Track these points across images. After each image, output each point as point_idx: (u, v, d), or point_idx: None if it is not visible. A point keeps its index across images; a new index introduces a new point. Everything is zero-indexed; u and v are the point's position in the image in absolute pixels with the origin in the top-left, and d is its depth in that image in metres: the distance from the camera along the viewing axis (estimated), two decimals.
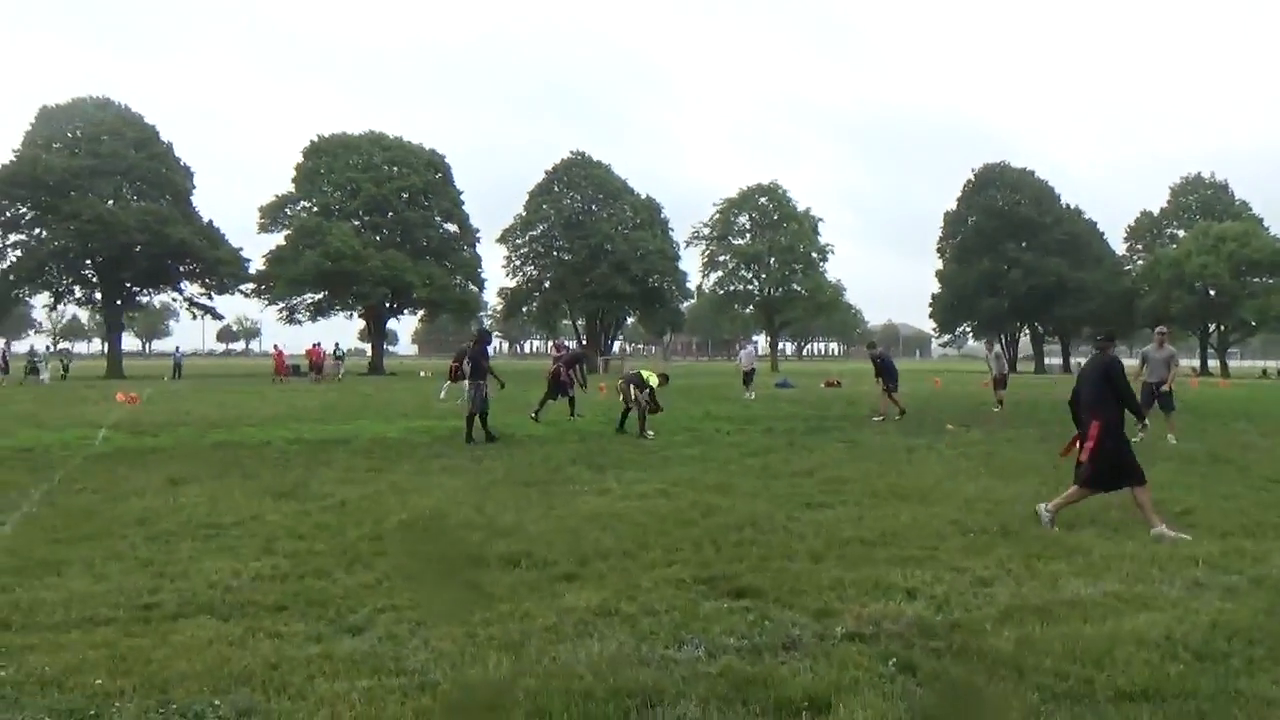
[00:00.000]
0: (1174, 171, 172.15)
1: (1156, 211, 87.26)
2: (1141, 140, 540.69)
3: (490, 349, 17.00)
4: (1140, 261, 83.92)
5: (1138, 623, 5.22)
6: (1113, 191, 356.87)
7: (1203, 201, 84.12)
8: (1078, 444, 8.18)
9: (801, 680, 4.34)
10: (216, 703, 4.12)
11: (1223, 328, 78.05)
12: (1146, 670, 4.49)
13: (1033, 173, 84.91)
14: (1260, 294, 71.04)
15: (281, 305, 63.34)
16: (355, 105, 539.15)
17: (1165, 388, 15.67)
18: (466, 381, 26.62)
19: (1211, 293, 73.30)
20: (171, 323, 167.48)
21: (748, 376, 29.64)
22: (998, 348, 25.46)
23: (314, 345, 47.89)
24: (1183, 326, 74.82)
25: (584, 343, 71.13)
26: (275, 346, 48.05)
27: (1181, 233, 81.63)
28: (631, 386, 16.36)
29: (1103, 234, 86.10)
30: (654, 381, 16.56)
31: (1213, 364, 78.90)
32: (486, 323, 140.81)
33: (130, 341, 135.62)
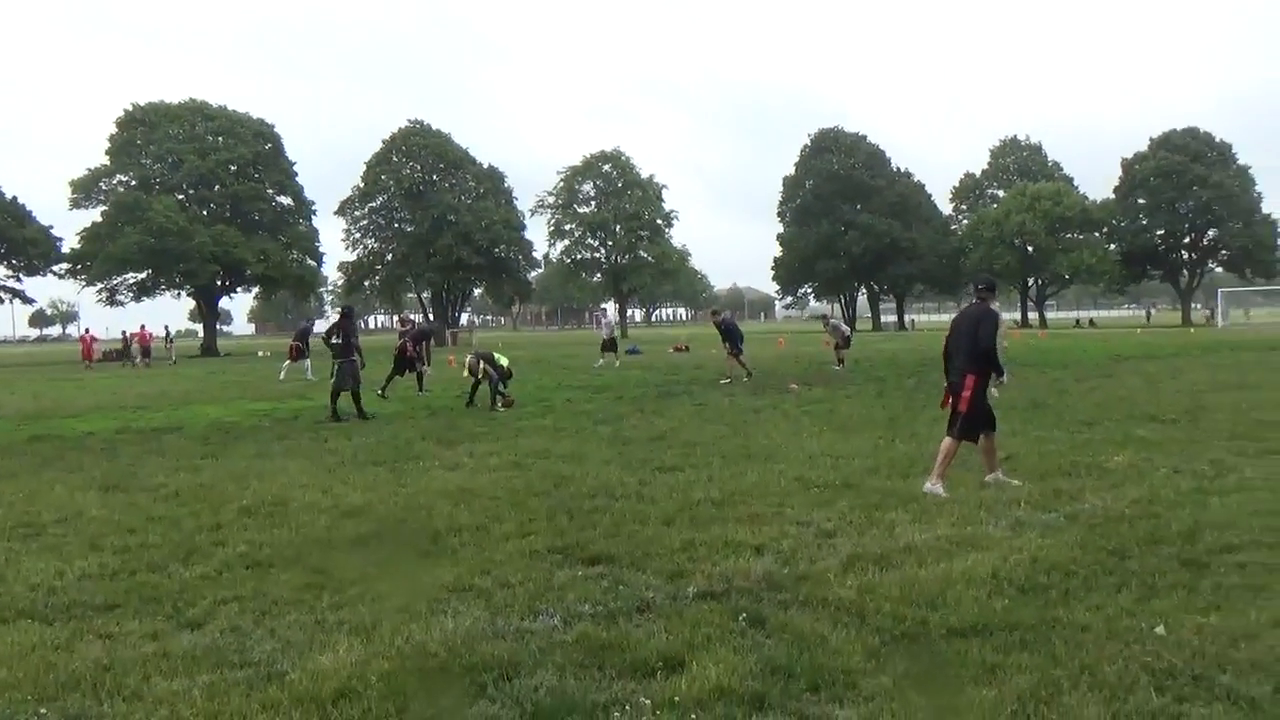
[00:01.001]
0: (992, 135, 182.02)
1: (979, 173, 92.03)
2: (962, 107, 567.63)
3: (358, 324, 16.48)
4: (965, 221, 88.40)
5: (967, 563, 5.55)
6: (937, 155, 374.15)
7: (1020, 163, 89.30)
8: (951, 395, 8.10)
9: (656, 642, 4.42)
10: (43, 711, 3.88)
11: (1040, 281, 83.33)
12: (975, 607, 4.79)
13: (865, 137, 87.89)
14: (1072, 248, 76.15)
15: (100, 286, 59.28)
16: (171, 73, 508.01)
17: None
18: (307, 360, 25.89)
19: (1029, 249, 78.09)
20: None
21: (608, 344, 29.68)
22: (834, 321, 26.44)
23: (140, 327, 45.34)
24: (1005, 281, 79.40)
25: (431, 317, 69.72)
26: (86, 330, 45.27)
27: (1001, 193, 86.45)
28: (482, 361, 16.16)
29: (930, 195, 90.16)
30: (504, 361, 16.41)
31: (1032, 316, 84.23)
32: (328, 298, 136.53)
33: None
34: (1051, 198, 75.80)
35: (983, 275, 8.91)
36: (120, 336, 46.33)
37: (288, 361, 27.01)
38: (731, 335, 21.42)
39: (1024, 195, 77.26)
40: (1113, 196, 79.76)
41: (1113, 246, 78.29)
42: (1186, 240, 77.46)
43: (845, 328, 26.60)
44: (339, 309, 17.16)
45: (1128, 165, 78.28)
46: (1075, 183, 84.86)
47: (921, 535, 6.28)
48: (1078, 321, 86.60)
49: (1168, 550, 5.77)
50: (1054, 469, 8.66)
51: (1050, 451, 9.66)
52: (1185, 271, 79.49)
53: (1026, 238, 76.62)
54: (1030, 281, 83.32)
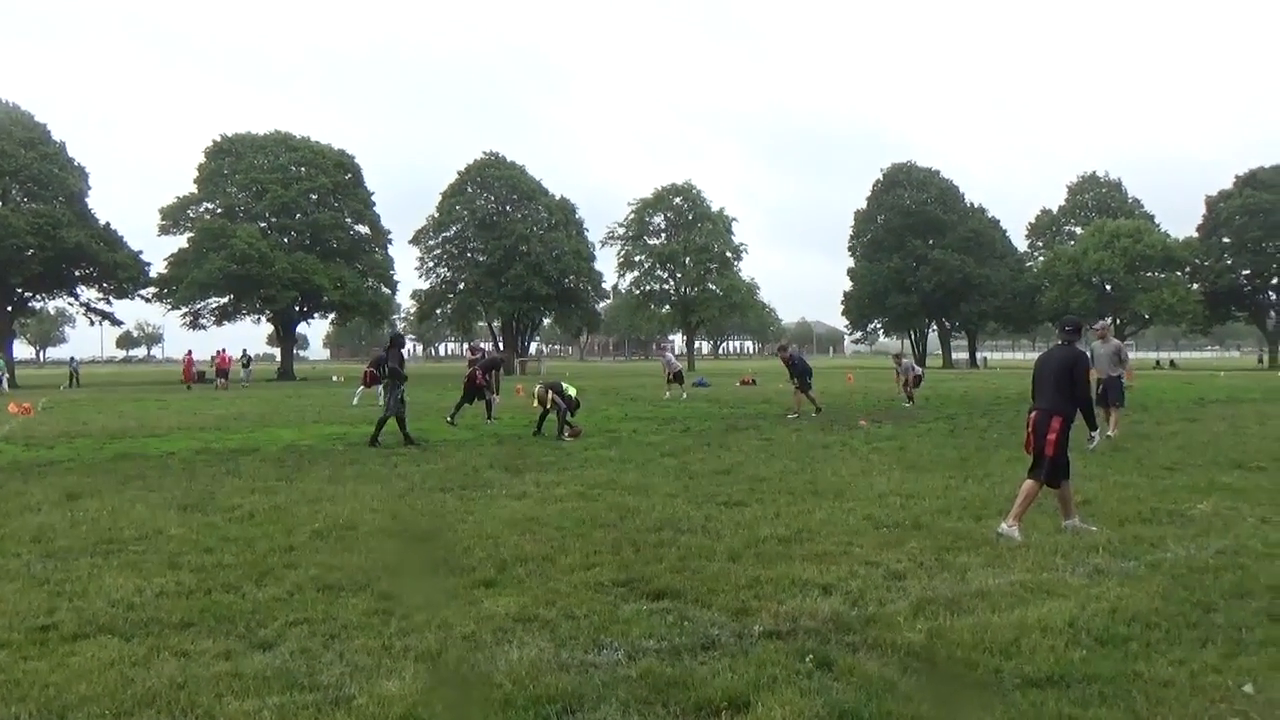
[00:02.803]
0: (1069, 171, 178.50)
1: (1055, 209, 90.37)
2: (1037, 141, 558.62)
3: (405, 352, 16.81)
4: (1041, 258, 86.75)
5: (1043, 611, 5.39)
6: (1011, 191, 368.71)
7: (1098, 199, 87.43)
8: (1034, 437, 7.81)
9: (721, 680, 4.37)
10: None
11: (1119, 321, 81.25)
12: (1051, 657, 4.65)
13: (938, 172, 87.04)
14: (1152, 288, 74.12)
15: (185, 310, 61.34)
16: (259, 106, 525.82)
17: (1127, 381, 15.44)
18: (380, 386, 26.38)
19: (1108, 287, 76.25)
20: (67, 329, 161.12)
21: (678, 377, 29.71)
22: (907, 361, 26.09)
23: (220, 351, 46.83)
24: (1082, 320, 77.48)
25: (501, 346, 70.54)
26: (189, 352, 46.84)
27: (1079, 230, 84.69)
28: (550, 391, 16.30)
29: (1005, 231, 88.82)
30: (572, 391, 16.55)
31: None
32: (400, 325, 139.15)
33: (22, 349, 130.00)
34: (1131, 235, 73.95)
35: (1069, 317, 8.57)
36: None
37: (361, 387, 27.46)
38: (799, 370, 21.27)
39: (1102, 232, 75.53)
40: (1195, 235, 77.62)
41: (1195, 286, 76.06)
42: (1275, 281, 74.87)
43: (918, 369, 26.24)
44: (390, 335, 17.44)
45: (1212, 203, 76.14)
46: (1156, 220, 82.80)
47: (995, 580, 6.12)
48: (1158, 363, 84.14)
49: (1256, 604, 5.53)
50: (1133, 515, 8.38)
51: (1129, 497, 9.35)
52: (1273, 313, 76.81)
53: (1105, 276, 74.84)
54: (1108, 321, 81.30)
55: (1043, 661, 4.58)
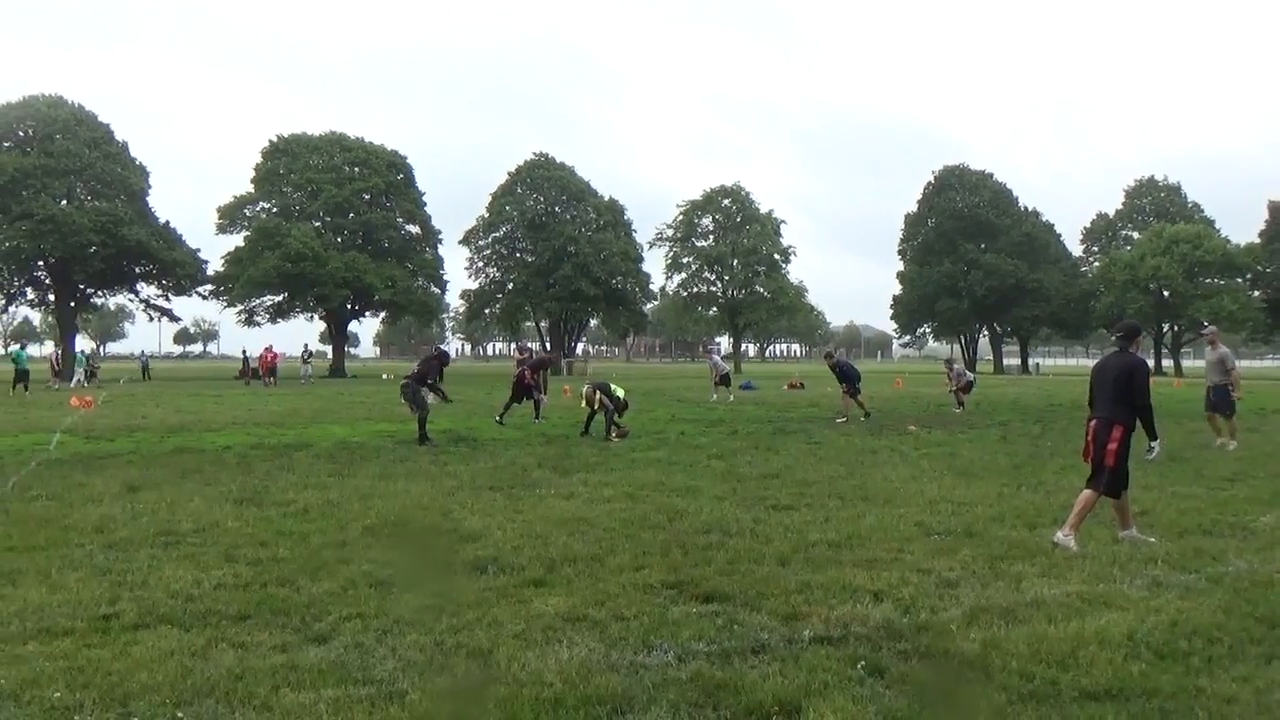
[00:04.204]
0: (1126, 174, 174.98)
1: (1111, 214, 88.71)
2: (1092, 144, 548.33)
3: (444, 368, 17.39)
4: (1096, 263, 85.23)
5: (1100, 623, 5.29)
6: (1065, 194, 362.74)
7: (1156, 204, 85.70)
8: (1093, 446, 7.68)
9: (771, 684, 4.35)
10: (180, 715, 4.05)
11: (1176, 328, 79.49)
12: (1110, 670, 4.55)
13: (991, 175, 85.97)
14: (1212, 294, 72.38)
15: (240, 307, 62.55)
16: (312, 106, 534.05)
17: (1235, 392, 15.25)
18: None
19: (1165, 294, 74.66)
20: (127, 325, 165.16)
21: (725, 379, 29.60)
22: (958, 366, 25.70)
23: (268, 348, 47.59)
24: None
25: (549, 346, 70.87)
26: (269, 348, 47.83)
27: (1136, 235, 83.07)
28: (598, 392, 16.35)
29: (1059, 236, 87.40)
30: (620, 393, 16.58)
31: (1167, 364, 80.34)
32: (449, 325, 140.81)
33: (83, 344, 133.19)
34: (1190, 240, 72.28)
35: (1124, 322, 8.31)
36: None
37: None
38: (847, 375, 21.10)
39: (1160, 237, 73.94)
40: (1257, 240, 75.67)
41: (1256, 293, 74.16)
42: None
43: (969, 374, 25.87)
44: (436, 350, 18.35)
45: (1275, 208, 74.18)
46: (1216, 224, 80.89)
47: (1050, 590, 6.02)
48: None
49: None
50: (1194, 527, 8.19)
51: (1189, 508, 9.14)
52: None
53: (1162, 282, 73.28)
54: (1166, 328, 79.55)
55: (1101, 674, 4.49)
